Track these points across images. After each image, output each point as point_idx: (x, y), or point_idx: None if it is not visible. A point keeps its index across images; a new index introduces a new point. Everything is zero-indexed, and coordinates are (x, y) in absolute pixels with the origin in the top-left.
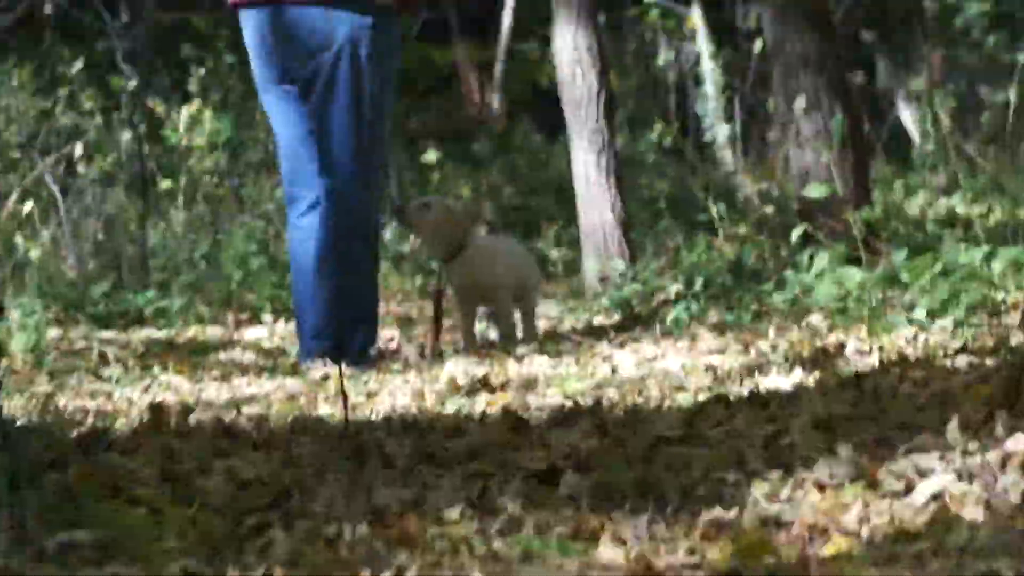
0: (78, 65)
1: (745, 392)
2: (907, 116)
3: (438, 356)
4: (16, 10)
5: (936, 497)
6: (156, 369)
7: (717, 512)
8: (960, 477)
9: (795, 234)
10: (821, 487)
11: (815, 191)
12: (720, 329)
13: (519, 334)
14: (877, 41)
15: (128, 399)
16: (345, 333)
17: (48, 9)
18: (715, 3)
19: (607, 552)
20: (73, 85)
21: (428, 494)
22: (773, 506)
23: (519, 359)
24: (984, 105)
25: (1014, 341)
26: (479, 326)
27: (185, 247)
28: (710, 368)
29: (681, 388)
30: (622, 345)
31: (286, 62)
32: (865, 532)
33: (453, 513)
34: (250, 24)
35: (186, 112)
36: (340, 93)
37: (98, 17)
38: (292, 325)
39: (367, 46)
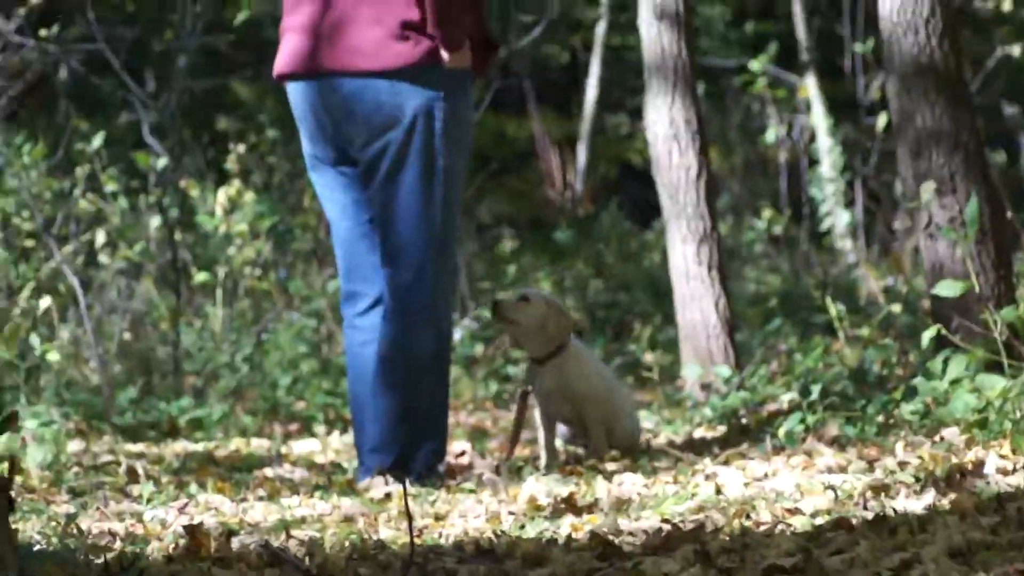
0: (98, 140)
1: (870, 516)
2: None
3: (516, 472)
4: (26, 76)
5: None
6: (193, 487)
7: None
8: None
9: (926, 337)
10: None
11: (949, 287)
12: (840, 444)
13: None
14: (1020, 115)
15: (161, 521)
16: (410, 447)
17: (63, 75)
18: (832, 71)
19: None
20: (93, 163)
21: None
22: None
23: (609, 477)
24: None
25: None
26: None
27: (224, 349)
28: (829, 488)
29: (796, 511)
30: (727, 461)
31: (345, 141)
32: None
33: None
34: (300, 98)
35: (224, 194)
36: (409, 173)
37: (121, 85)
38: (349, 437)
39: (441, 119)
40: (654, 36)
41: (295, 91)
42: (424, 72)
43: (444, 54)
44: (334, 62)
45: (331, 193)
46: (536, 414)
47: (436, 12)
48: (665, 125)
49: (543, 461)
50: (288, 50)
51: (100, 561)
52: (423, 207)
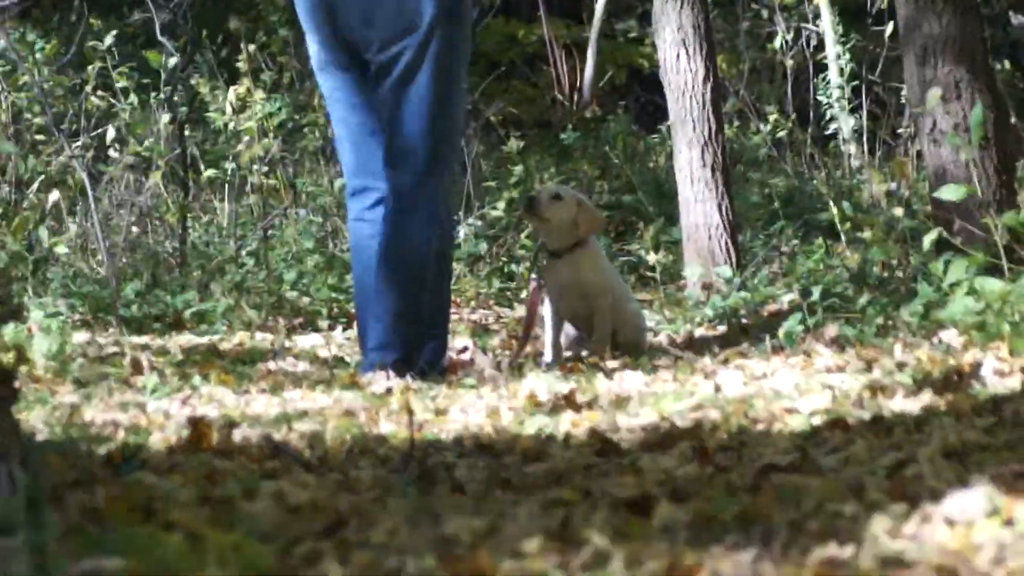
0: (110, 38)
1: (866, 416)
2: None
3: (517, 370)
4: None
5: None
6: (196, 379)
7: (832, 549)
8: None
9: (928, 240)
10: (951, 523)
11: (952, 192)
12: (839, 345)
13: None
14: None
15: (164, 412)
16: (413, 346)
17: None
18: None
19: None
20: (105, 61)
21: (503, 524)
22: (896, 543)
23: (609, 374)
24: None
25: None
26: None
27: (231, 244)
28: (827, 388)
29: (793, 410)
30: (727, 361)
31: (359, 45)
32: (1000, 575)
33: (531, 545)
34: (311, 4)
35: (233, 93)
36: (422, 78)
37: None
38: (352, 332)
39: (457, 26)
40: None
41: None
42: None
43: None
44: None
45: (340, 94)
46: (545, 310)
47: None
48: (673, 30)
49: (546, 357)
50: None
51: (103, 451)
52: (432, 111)
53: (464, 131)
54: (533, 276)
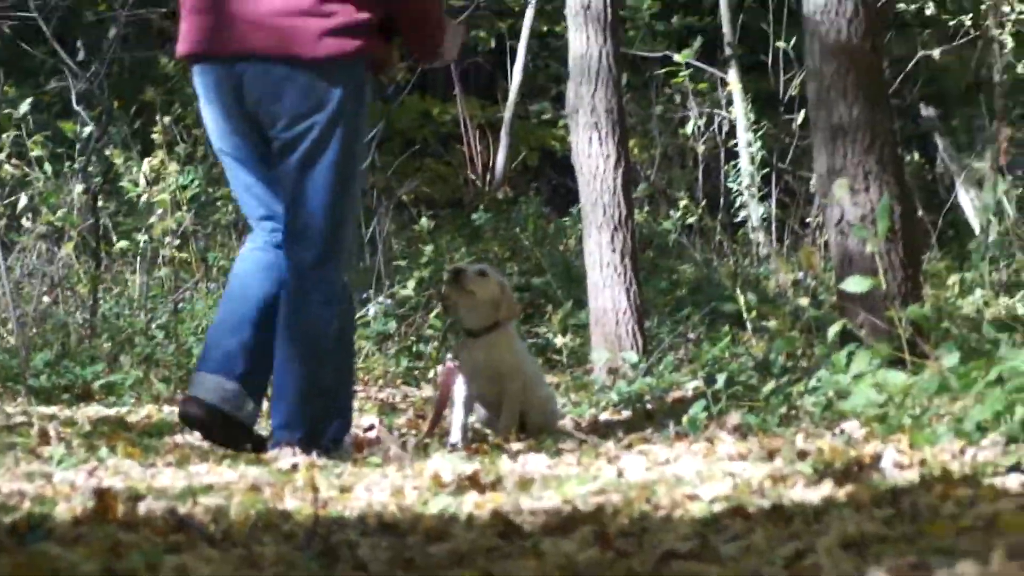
0: (26, 106)
1: (767, 504)
2: (967, 202)
3: (422, 449)
4: None
5: None
6: (103, 451)
7: None
8: None
9: (832, 331)
10: None
11: (857, 284)
12: (742, 432)
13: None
14: (937, 117)
15: (70, 483)
16: (318, 420)
17: None
18: (755, 67)
19: None
20: (20, 129)
21: None
22: None
23: (513, 456)
24: None
25: None
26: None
27: (141, 316)
28: (729, 475)
29: (695, 497)
30: (630, 446)
31: (264, 121)
32: None
33: None
34: (216, 78)
35: (148, 164)
36: (328, 156)
37: (51, 53)
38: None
39: (362, 106)
40: (580, 25)
41: (210, 72)
42: (354, 63)
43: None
44: (268, 45)
45: (245, 162)
46: (457, 391)
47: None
48: (587, 112)
49: (452, 438)
50: (203, 30)
51: (8, 521)
52: (335, 189)
53: (359, 209)
54: (449, 356)
